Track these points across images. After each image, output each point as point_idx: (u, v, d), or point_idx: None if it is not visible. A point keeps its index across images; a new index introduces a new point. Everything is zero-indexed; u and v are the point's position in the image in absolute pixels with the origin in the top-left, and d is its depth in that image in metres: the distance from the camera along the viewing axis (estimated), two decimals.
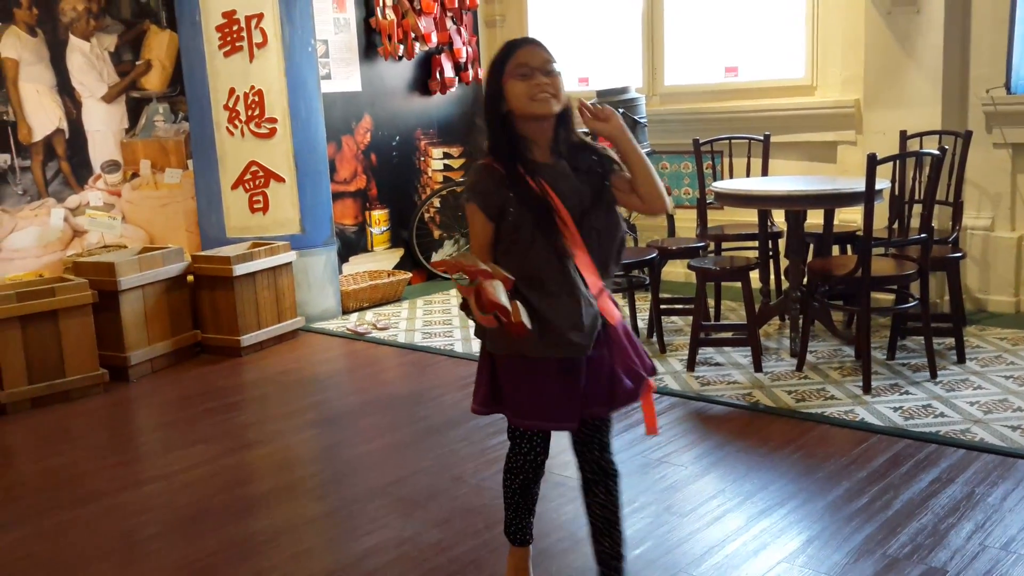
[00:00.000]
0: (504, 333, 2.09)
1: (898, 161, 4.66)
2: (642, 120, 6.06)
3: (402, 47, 6.61)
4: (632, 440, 3.70)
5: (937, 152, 4.18)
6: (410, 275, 6.60)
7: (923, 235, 4.19)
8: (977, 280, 5.43)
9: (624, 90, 6.15)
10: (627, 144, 2.23)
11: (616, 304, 2.30)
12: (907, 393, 4.08)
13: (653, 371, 2.35)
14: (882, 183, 4.18)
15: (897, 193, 4.84)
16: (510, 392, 2.32)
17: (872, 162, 3.97)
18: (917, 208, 4.60)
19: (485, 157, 2.27)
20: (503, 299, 1.99)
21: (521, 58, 2.20)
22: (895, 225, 4.89)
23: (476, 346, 5.18)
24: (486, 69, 2.30)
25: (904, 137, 5.07)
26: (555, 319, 2.20)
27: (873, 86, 5.45)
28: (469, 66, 7.03)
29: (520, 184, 2.19)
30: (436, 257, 7.03)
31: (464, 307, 2.10)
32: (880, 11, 5.31)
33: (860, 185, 4.12)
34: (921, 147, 4.94)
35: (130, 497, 3.44)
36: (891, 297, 4.86)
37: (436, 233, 7.06)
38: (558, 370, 2.25)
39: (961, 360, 4.46)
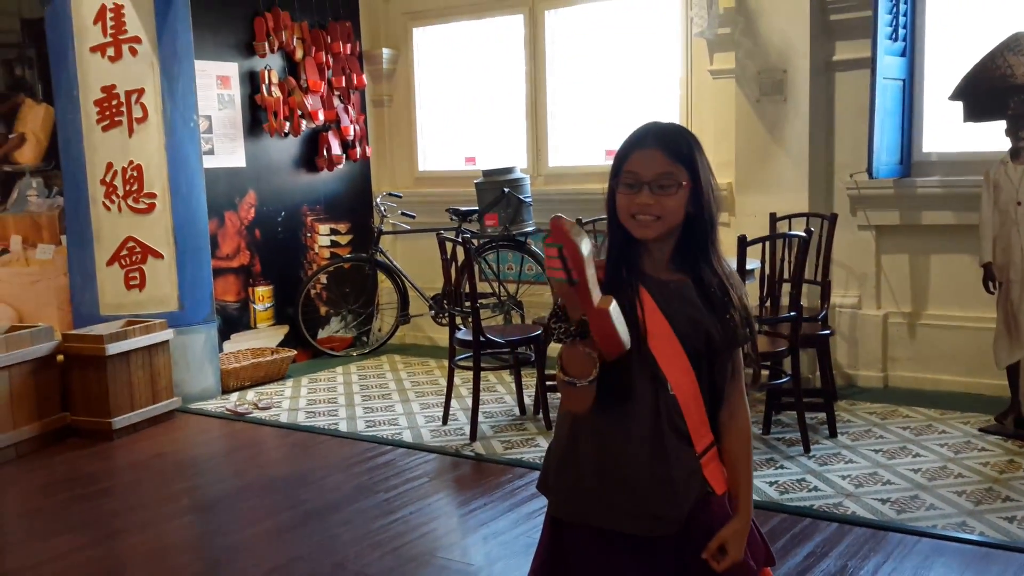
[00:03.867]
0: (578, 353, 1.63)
1: (767, 242, 4.85)
2: (527, 200, 6.18)
3: (288, 124, 6.60)
4: (517, 519, 3.69)
5: (803, 234, 4.38)
6: (294, 352, 6.49)
7: (792, 313, 4.36)
8: (846, 356, 5.66)
9: (510, 170, 6.28)
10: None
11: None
12: (782, 468, 4.20)
13: (770, 560, 1.90)
14: (753, 263, 4.36)
15: (768, 272, 5.03)
16: None
17: (742, 243, 4.14)
18: (787, 287, 4.79)
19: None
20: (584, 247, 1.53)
21: (633, 164, 1.78)
22: (767, 303, 5.07)
23: (362, 424, 5.14)
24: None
25: (774, 219, 5.29)
26: (634, 475, 1.70)
27: (744, 171, 5.69)
28: (357, 144, 7.07)
29: (611, 288, 1.72)
30: (323, 334, 6.94)
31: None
32: (749, 100, 5.58)
33: (732, 265, 4.26)
34: (789, 229, 5.17)
35: None
36: (765, 373, 5.02)
37: (323, 310, 6.98)
38: (638, 552, 1.73)
39: (833, 434, 4.62)
